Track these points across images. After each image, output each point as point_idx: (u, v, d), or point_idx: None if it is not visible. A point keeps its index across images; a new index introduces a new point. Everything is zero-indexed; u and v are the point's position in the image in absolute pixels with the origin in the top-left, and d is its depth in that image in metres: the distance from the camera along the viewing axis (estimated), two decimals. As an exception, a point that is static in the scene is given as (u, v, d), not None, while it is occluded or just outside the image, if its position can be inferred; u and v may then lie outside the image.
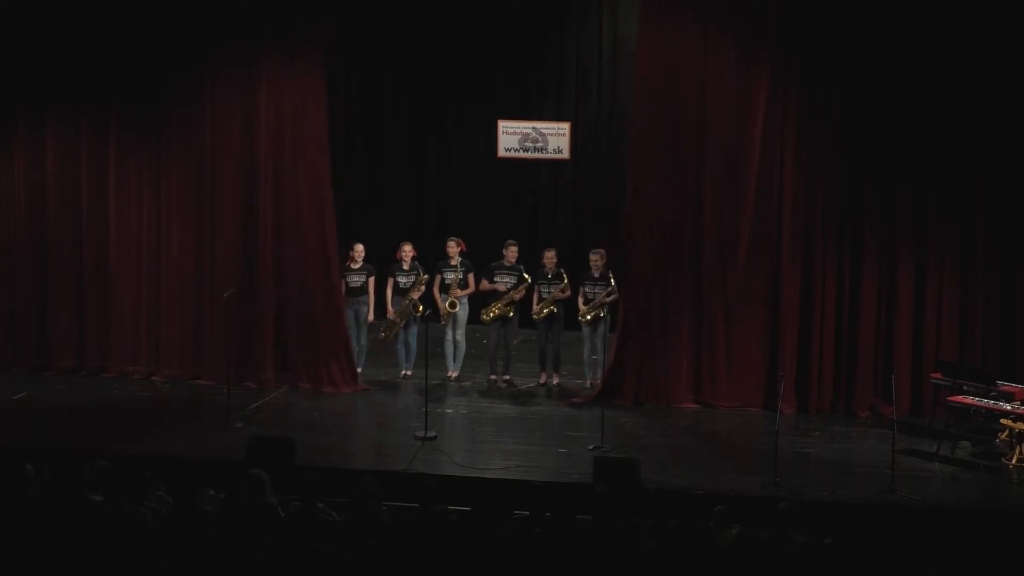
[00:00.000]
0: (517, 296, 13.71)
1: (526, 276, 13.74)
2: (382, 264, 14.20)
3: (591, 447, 11.54)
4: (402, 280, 13.85)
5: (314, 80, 13.52)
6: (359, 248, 13.92)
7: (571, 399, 13.29)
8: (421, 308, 13.54)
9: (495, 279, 13.78)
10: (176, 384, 13.82)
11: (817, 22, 12.61)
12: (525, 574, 7.19)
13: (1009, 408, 11.31)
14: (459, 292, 13.75)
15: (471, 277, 13.86)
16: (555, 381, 13.84)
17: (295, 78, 13.48)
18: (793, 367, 12.86)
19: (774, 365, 12.82)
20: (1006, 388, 11.56)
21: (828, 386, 13.00)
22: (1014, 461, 11.25)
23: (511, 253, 13.80)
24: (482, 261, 14.01)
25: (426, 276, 13.78)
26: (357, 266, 13.95)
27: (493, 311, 13.71)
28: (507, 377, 13.96)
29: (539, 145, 16.25)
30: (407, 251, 13.92)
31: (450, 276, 13.76)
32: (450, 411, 12.91)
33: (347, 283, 13.93)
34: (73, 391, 13.51)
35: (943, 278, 12.75)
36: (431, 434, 11.83)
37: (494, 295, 13.76)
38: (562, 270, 13.66)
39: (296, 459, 10.80)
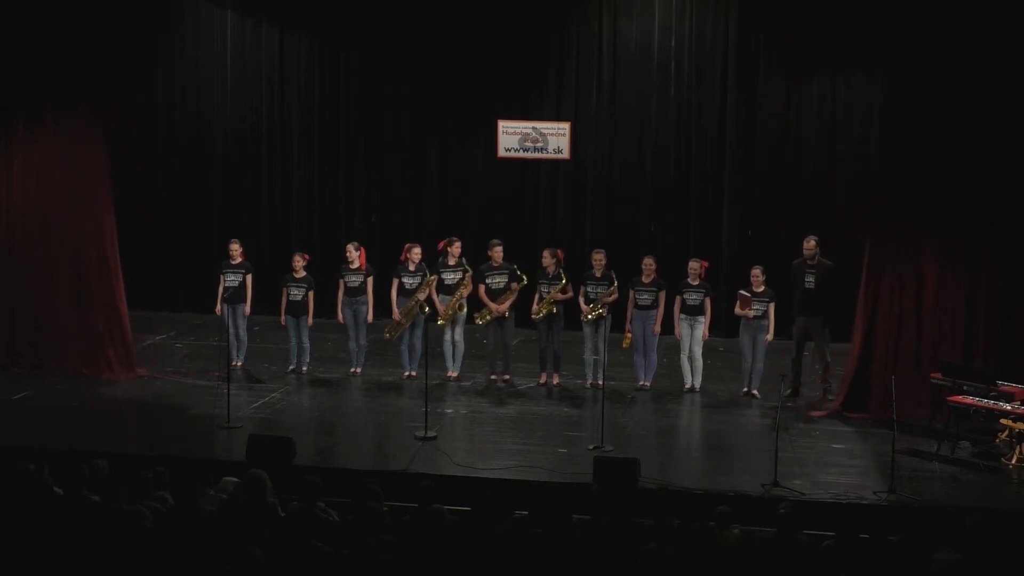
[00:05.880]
0: (507, 302, 13.65)
1: (520, 274, 13.72)
2: (381, 265, 14.18)
3: (591, 447, 11.54)
4: (407, 281, 13.80)
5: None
6: (352, 249, 13.99)
7: (810, 412, 12.77)
8: (428, 309, 13.52)
9: (486, 280, 13.77)
10: (175, 384, 13.80)
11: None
12: (525, 574, 7.19)
13: (1009, 408, 11.32)
14: (464, 292, 13.74)
15: (469, 277, 13.85)
16: (555, 381, 13.82)
17: None
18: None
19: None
20: (1006, 388, 11.57)
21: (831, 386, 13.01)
22: (1014, 461, 11.25)
23: (496, 253, 13.77)
24: (482, 262, 14.00)
25: (433, 278, 13.76)
26: (355, 266, 13.95)
27: (487, 315, 13.69)
28: (507, 377, 13.94)
29: (539, 145, 16.24)
30: (415, 253, 13.86)
31: (455, 277, 13.74)
32: (450, 411, 12.91)
33: (345, 283, 13.93)
34: (73, 391, 13.49)
35: (944, 278, 12.74)
36: (431, 434, 11.83)
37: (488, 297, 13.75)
38: (562, 271, 13.65)
39: (296, 459, 10.81)
